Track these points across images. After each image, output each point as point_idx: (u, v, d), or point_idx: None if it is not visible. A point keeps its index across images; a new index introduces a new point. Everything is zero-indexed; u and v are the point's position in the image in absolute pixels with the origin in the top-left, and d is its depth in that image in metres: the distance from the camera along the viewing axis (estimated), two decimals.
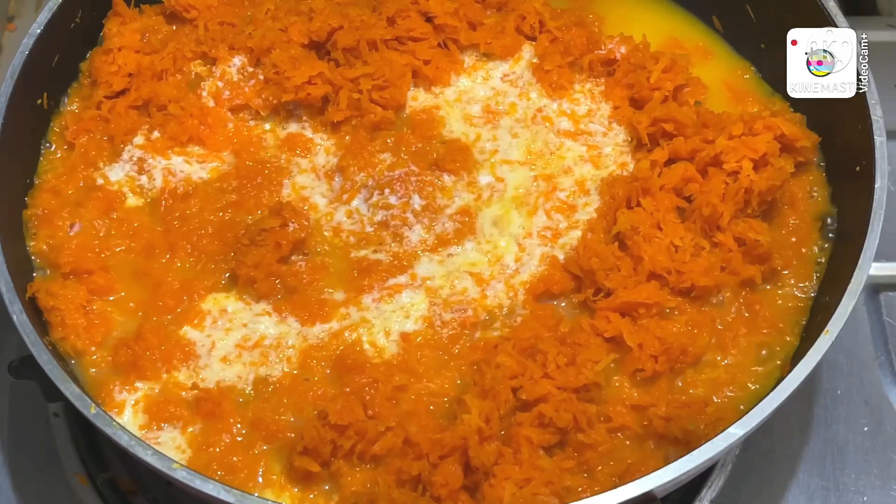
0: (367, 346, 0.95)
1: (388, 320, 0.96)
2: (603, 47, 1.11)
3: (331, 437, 0.87)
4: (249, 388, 0.93)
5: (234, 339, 0.96)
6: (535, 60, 1.11)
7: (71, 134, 1.07)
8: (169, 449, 0.90)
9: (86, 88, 1.10)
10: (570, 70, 1.10)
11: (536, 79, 1.10)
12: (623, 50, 1.10)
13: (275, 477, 0.89)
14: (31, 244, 1.01)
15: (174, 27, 1.14)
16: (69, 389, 0.86)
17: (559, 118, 1.08)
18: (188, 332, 0.96)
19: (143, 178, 1.05)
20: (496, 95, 1.09)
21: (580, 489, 0.86)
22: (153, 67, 1.09)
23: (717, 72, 1.11)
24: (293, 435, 0.90)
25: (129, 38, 1.10)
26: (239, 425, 0.91)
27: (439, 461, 0.85)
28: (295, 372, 0.94)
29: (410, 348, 0.95)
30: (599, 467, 0.88)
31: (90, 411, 0.86)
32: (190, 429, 0.92)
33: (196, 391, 0.93)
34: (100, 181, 1.05)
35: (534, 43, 1.12)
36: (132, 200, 1.04)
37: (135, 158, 1.06)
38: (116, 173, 1.05)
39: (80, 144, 1.06)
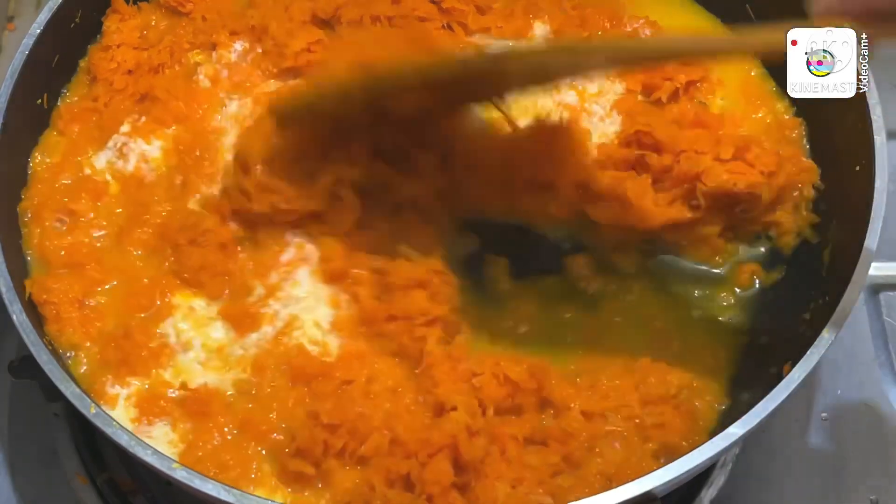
0: (310, 347, 0.94)
1: (310, 310, 0.96)
2: (628, 25, 1.11)
3: (323, 437, 0.87)
4: (231, 391, 0.93)
5: (201, 342, 0.96)
6: (550, 36, 1.10)
7: (63, 123, 1.06)
8: (161, 444, 0.90)
9: (84, 85, 1.10)
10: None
11: None
12: (648, 32, 1.10)
13: (267, 476, 0.89)
14: (25, 239, 1.00)
15: (172, 22, 1.13)
16: (69, 389, 0.86)
17: (568, 91, 1.07)
18: (165, 328, 0.96)
19: (120, 163, 1.04)
20: None
21: (571, 487, 0.86)
22: (150, 61, 1.09)
23: (725, 67, 1.11)
24: (282, 437, 0.89)
25: (128, 34, 1.10)
26: (230, 426, 0.91)
27: (428, 459, 0.85)
28: (254, 380, 0.93)
29: (347, 336, 0.95)
30: (586, 464, 0.87)
31: (90, 411, 0.86)
32: (180, 425, 0.91)
33: (183, 391, 0.92)
34: (87, 171, 1.04)
35: (546, 20, 1.11)
36: (115, 187, 1.04)
37: (118, 144, 1.05)
38: (100, 161, 1.05)
39: (70, 132, 1.06)
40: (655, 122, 1.02)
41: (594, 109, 1.07)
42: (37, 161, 1.05)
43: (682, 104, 1.06)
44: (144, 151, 1.05)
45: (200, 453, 0.89)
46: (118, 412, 0.92)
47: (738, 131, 1.04)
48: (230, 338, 0.96)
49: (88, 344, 0.95)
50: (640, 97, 1.08)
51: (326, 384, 0.91)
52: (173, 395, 0.92)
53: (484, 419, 0.88)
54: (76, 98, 1.10)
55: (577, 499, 0.79)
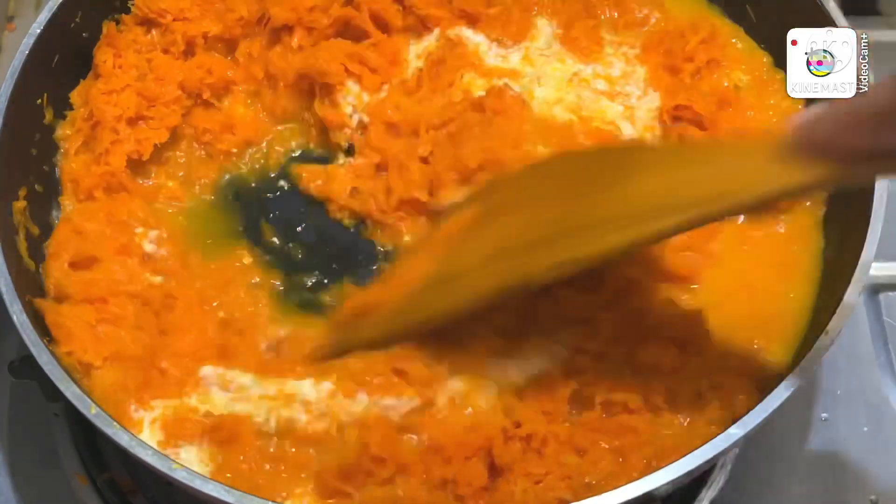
0: None
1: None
2: (638, 12, 1.12)
3: (369, 467, 0.86)
4: (273, 424, 0.91)
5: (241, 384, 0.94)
6: (559, 31, 1.10)
7: (83, 190, 1.03)
8: (192, 466, 0.88)
9: (82, 122, 1.05)
10: (598, 32, 1.10)
11: (566, 48, 1.10)
12: (658, 16, 1.11)
13: (298, 490, 0.88)
14: (42, 271, 0.99)
15: (153, 34, 1.10)
16: (69, 389, 0.86)
17: (595, 80, 1.08)
18: (204, 367, 0.94)
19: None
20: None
21: (610, 477, 0.85)
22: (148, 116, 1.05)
23: (738, 55, 1.11)
24: (327, 458, 0.88)
25: (130, 74, 1.06)
26: (259, 453, 0.89)
27: (464, 462, 0.85)
28: (312, 419, 0.91)
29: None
30: (636, 452, 0.87)
31: (90, 411, 0.85)
32: (207, 447, 0.90)
33: (210, 418, 0.91)
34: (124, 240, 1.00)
35: (551, 16, 1.11)
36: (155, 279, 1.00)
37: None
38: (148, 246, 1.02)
39: (98, 197, 1.03)
40: (694, 96, 1.04)
41: (629, 90, 1.08)
42: (67, 209, 1.03)
43: (706, 81, 1.07)
44: None
45: (231, 475, 0.88)
46: (144, 436, 0.90)
47: (758, 116, 1.05)
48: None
49: (98, 364, 0.92)
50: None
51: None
52: (201, 419, 0.91)
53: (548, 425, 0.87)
54: (71, 131, 1.05)
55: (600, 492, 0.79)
